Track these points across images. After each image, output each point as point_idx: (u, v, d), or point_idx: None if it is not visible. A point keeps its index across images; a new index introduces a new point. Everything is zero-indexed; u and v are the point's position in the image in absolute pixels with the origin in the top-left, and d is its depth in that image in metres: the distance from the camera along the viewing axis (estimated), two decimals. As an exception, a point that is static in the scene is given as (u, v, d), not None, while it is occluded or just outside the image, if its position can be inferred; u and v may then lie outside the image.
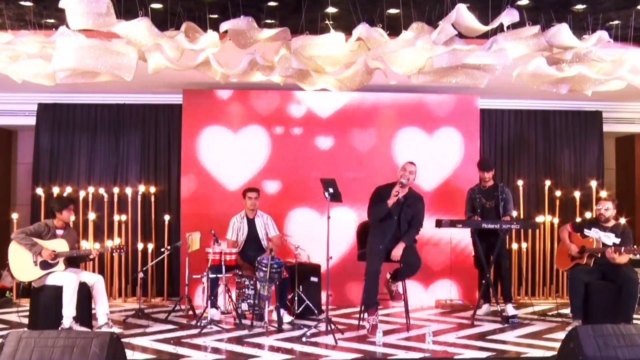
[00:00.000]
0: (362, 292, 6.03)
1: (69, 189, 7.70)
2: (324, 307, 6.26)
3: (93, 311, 5.89)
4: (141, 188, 7.78)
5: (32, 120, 7.97)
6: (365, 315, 5.88)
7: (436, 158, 7.54)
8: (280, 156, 7.52)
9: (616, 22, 5.15)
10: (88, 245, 7.24)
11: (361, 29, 4.52)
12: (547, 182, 8.05)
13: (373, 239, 5.89)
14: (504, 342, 5.52)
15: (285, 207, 7.42)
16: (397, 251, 5.75)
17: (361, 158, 7.54)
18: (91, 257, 6.00)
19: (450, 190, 7.51)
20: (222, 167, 7.51)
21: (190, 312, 6.58)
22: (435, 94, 7.60)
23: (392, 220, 5.84)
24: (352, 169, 7.46)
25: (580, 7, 4.88)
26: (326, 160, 7.48)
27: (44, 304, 5.62)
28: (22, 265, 5.62)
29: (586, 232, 6.06)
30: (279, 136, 7.55)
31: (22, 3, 4.78)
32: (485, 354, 5.11)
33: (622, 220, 6.14)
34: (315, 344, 5.37)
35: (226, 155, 7.50)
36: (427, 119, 7.61)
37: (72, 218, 6.04)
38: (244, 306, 6.31)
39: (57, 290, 5.55)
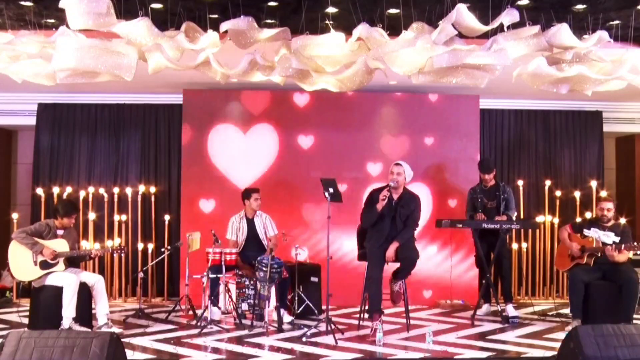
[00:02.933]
0: (362, 293, 6.03)
1: (69, 189, 7.70)
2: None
3: (93, 311, 5.89)
4: (141, 188, 7.79)
5: (32, 120, 7.97)
6: (365, 316, 5.88)
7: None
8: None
9: (616, 22, 5.15)
10: (88, 245, 7.24)
11: (361, 29, 4.52)
12: (547, 182, 8.05)
13: (369, 243, 5.87)
14: (504, 342, 5.52)
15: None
16: (390, 252, 5.70)
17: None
18: (92, 256, 6.00)
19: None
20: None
21: (190, 312, 6.58)
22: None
23: (385, 223, 5.79)
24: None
25: (580, 7, 4.88)
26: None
27: (44, 304, 5.62)
28: (22, 264, 5.62)
29: (585, 232, 6.06)
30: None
31: (22, 3, 4.78)
32: (485, 354, 5.11)
33: (622, 220, 6.14)
34: (316, 344, 5.37)
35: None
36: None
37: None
38: (244, 306, 6.31)
39: (57, 290, 5.55)
